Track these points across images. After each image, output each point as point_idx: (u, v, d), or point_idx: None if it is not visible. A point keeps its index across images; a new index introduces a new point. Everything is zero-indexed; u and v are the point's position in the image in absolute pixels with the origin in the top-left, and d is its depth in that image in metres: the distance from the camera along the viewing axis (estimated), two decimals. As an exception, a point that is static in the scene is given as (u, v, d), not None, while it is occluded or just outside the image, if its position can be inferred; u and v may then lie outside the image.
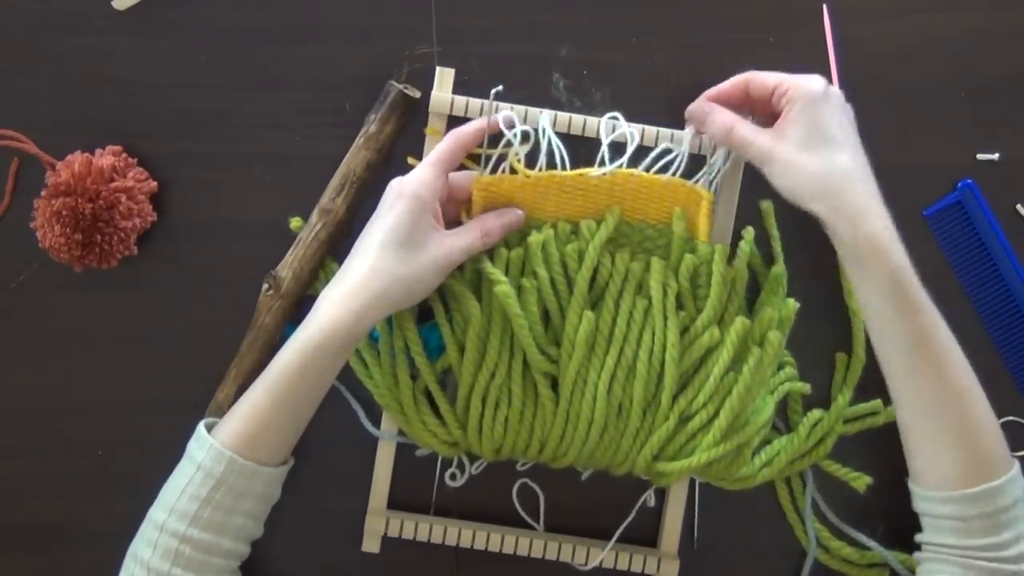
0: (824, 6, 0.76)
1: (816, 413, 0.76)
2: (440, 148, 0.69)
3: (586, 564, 0.75)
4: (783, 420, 0.78)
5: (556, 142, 0.72)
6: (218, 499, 0.65)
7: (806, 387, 0.76)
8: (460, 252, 0.68)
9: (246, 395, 0.67)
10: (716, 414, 0.71)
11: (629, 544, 0.77)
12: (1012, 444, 0.79)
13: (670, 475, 0.72)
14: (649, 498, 0.77)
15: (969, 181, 0.78)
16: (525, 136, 0.72)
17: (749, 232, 0.74)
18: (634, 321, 0.72)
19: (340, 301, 0.65)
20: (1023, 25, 0.78)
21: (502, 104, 0.73)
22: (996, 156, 0.78)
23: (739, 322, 0.71)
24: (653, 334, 0.72)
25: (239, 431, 0.66)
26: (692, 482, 0.78)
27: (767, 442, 0.76)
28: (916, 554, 0.71)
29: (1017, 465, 0.68)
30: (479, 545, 0.76)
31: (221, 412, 0.74)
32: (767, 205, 0.76)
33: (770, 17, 0.77)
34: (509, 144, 0.71)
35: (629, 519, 0.77)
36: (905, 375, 0.68)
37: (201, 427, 0.68)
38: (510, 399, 0.72)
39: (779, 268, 0.76)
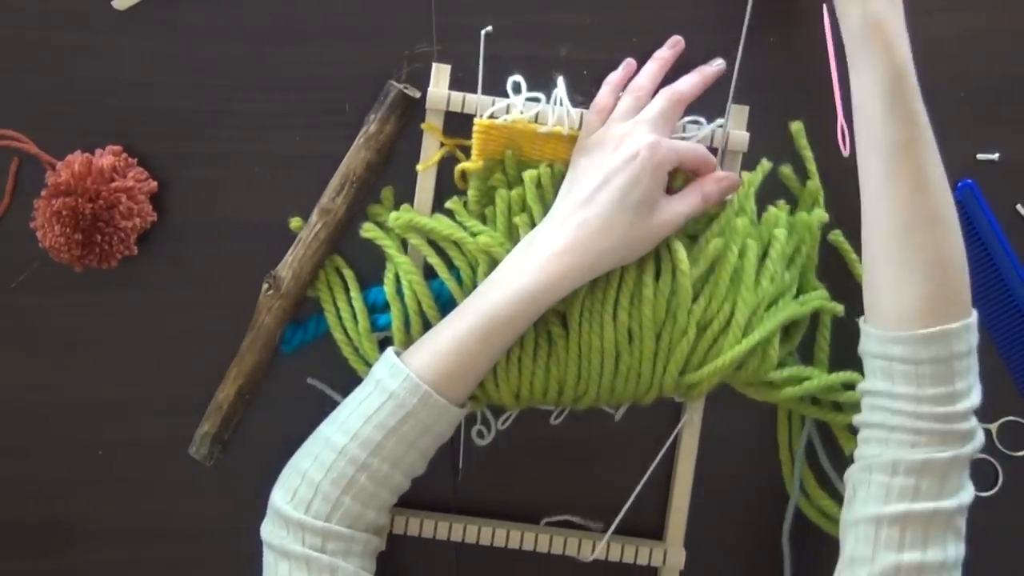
0: (824, 6, 0.76)
1: (855, 376, 0.75)
2: (664, 111, 0.70)
3: (593, 553, 0.76)
4: (808, 354, 0.78)
5: (568, 106, 0.73)
6: (404, 431, 0.65)
7: (838, 307, 0.76)
8: (683, 218, 0.69)
9: (444, 332, 0.67)
10: (732, 313, 0.72)
11: (635, 537, 0.78)
12: (1012, 444, 0.79)
13: (701, 383, 0.73)
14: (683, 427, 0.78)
15: (969, 181, 0.78)
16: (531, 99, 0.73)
17: (749, 176, 0.75)
18: None
19: (566, 254, 0.66)
20: (1023, 25, 0.78)
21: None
22: (996, 156, 0.78)
23: (739, 223, 0.73)
24: (657, 255, 0.72)
25: (438, 367, 0.65)
26: (697, 475, 0.78)
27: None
28: (856, 417, 0.68)
29: (976, 313, 0.65)
30: (484, 541, 0.76)
31: (221, 412, 0.74)
32: (797, 126, 0.77)
33: (770, 17, 0.77)
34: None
35: (666, 447, 0.77)
36: (882, 185, 0.65)
37: (392, 355, 0.67)
38: (522, 339, 0.72)
39: (814, 183, 0.76)
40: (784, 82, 0.77)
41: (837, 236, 0.77)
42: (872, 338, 0.67)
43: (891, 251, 0.65)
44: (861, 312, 0.75)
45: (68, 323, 0.76)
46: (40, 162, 0.74)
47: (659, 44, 0.75)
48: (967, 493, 0.64)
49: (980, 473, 0.79)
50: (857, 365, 0.72)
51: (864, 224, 0.69)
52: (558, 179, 0.73)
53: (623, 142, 0.68)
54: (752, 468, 0.79)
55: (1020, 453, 0.79)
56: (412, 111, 0.75)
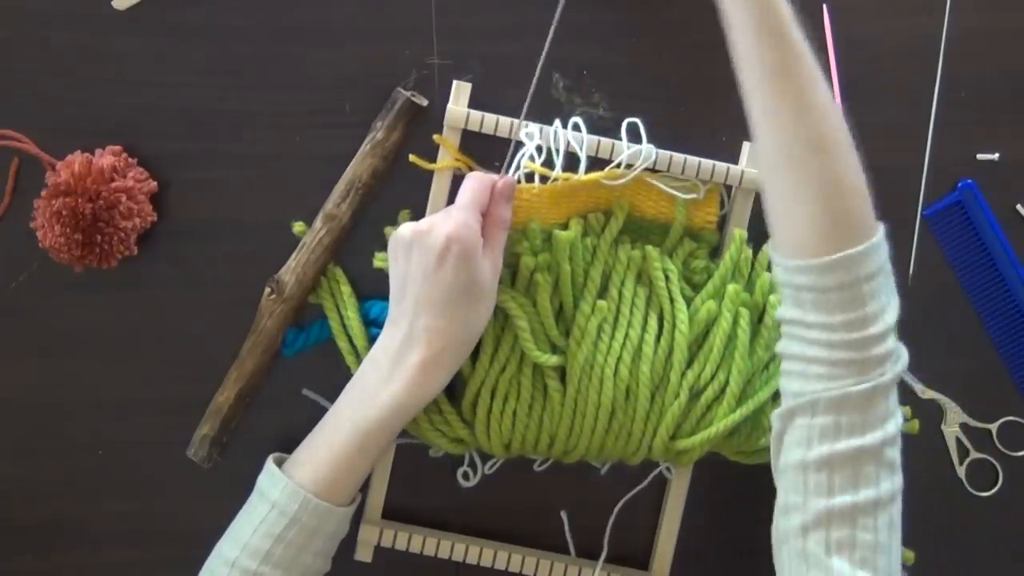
0: (824, 6, 0.76)
1: None
2: (471, 190, 0.68)
3: None
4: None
5: (580, 149, 0.73)
6: (291, 537, 0.66)
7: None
8: (500, 258, 0.69)
9: (322, 443, 0.68)
10: (727, 382, 0.72)
11: (621, 566, 0.78)
12: (1012, 444, 0.79)
13: (691, 451, 0.73)
14: (665, 471, 0.78)
15: (969, 181, 0.78)
16: (539, 148, 0.73)
17: (741, 233, 0.75)
18: (636, 307, 0.72)
19: (429, 363, 0.66)
20: (1023, 25, 0.78)
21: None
22: (996, 156, 0.78)
23: (731, 289, 0.72)
24: (661, 314, 0.72)
25: (318, 477, 0.66)
26: (688, 503, 0.78)
27: None
28: (777, 346, 0.65)
29: (882, 230, 0.62)
30: (471, 560, 0.76)
31: (220, 415, 0.74)
32: None
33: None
34: (530, 158, 0.73)
35: (641, 486, 0.77)
36: (763, 112, 0.62)
37: (272, 464, 0.68)
38: (519, 392, 0.72)
39: None
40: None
41: None
42: (778, 266, 0.64)
43: (780, 181, 0.63)
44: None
45: (68, 323, 0.76)
46: (40, 162, 0.73)
47: (659, 44, 0.75)
48: (893, 423, 0.61)
49: (980, 473, 0.79)
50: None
51: (754, 154, 0.67)
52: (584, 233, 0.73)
53: (427, 240, 0.66)
54: (759, 495, 0.79)
55: (1020, 453, 0.79)
56: (419, 118, 0.74)
